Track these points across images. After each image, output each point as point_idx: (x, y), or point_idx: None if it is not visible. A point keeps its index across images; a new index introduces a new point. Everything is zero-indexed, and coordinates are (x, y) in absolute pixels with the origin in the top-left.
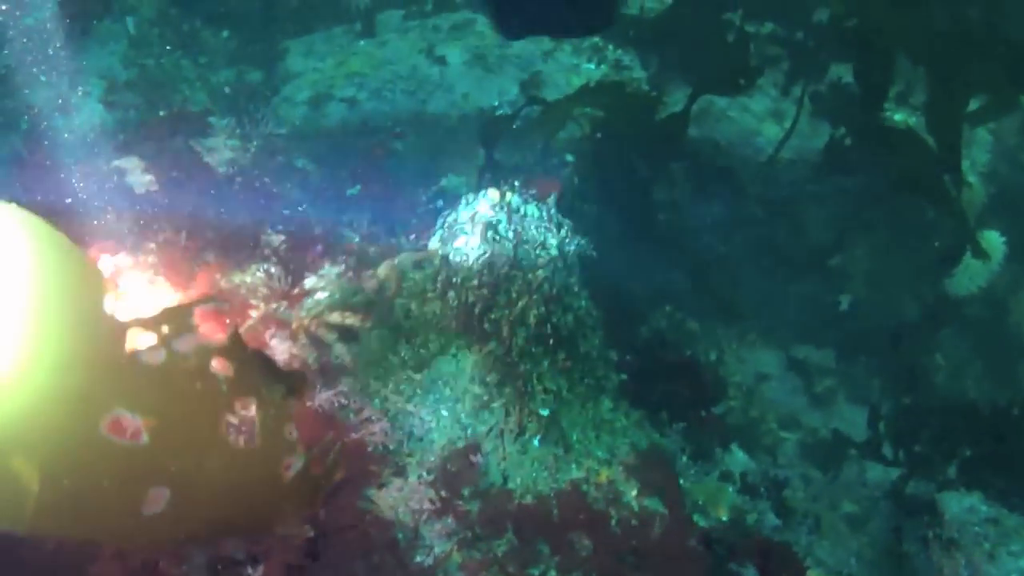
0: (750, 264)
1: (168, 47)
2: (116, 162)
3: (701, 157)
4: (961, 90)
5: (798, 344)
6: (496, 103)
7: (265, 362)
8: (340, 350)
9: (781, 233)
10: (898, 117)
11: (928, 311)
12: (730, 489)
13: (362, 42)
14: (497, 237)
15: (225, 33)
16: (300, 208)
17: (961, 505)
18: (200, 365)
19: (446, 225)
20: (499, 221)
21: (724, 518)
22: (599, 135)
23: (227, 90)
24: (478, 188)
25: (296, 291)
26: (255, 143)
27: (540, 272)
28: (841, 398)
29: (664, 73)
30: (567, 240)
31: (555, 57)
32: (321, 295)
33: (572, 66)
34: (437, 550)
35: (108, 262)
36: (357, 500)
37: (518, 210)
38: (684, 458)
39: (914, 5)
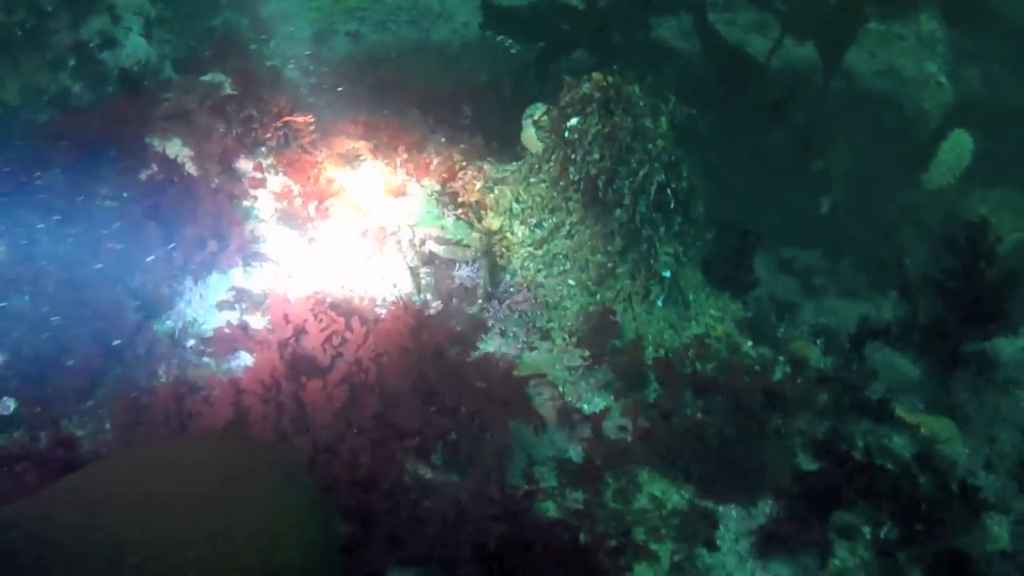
0: (739, 172)
1: None
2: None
3: (692, 68)
4: None
5: (787, 247)
6: None
7: None
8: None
9: (769, 139)
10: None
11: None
12: (817, 343)
13: None
14: (611, 113)
15: None
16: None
17: (1015, 347)
18: None
19: (554, 107)
20: (609, 100)
21: (820, 365)
22: None
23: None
24: None
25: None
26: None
27: (660, 141)
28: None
29: None
30: (676, 112)
31: None
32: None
33: None
34: (598, 400)
35: None
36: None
37: (621, 89)
38: (773, 318)
39: None
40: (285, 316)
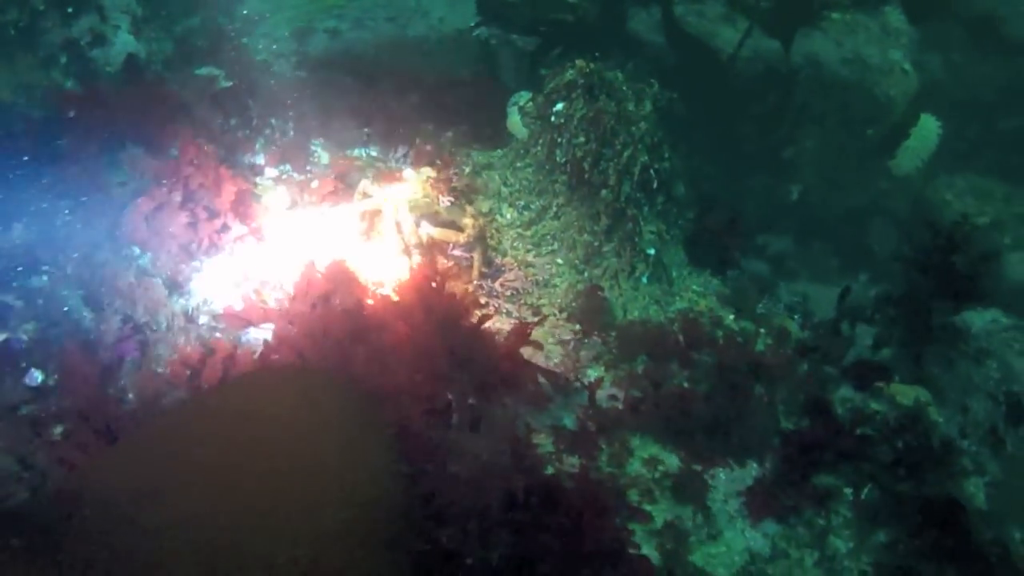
0: (710, 159)
1: None
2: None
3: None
4: None
5: (759, 233)
6: (472, 23)
7: None
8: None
9: (739, 128)
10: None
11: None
12: (795, 318)
13: None
14: (595, 98)
15: None
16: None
17: (984, 319)
18: None
19: (542, 93)
20: (592, 85)
21: (799, 336)
22: None
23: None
24: None
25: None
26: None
27: (643, 124)
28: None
29: None
30: (659, 96)
31: None
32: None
33: None
34: (590, 371)
35: None
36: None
37: (604, 75)
38: (752, 293)
39: None
40: (309, 284)
